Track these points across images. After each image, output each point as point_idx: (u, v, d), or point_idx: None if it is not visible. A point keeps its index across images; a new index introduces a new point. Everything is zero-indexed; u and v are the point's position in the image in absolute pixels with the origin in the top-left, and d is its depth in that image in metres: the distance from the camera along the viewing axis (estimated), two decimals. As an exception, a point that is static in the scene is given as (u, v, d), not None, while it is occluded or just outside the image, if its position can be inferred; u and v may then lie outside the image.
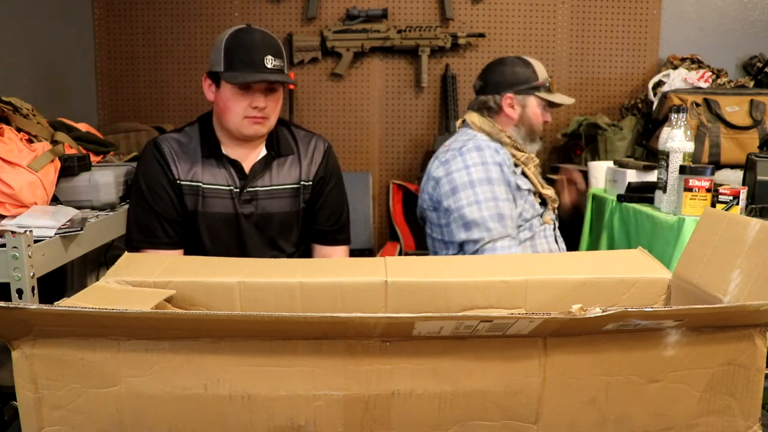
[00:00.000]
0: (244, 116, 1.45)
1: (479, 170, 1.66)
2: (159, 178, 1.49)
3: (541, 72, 1.83)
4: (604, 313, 0.72)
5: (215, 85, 1.48)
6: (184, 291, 1.13)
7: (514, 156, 1.79)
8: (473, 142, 1.73)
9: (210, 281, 1.15)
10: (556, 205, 1.88)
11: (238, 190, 1.52)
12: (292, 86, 2.68)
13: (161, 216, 1.49)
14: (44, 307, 0.72)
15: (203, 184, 1.51)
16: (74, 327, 0.77)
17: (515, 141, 1.80)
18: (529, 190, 1.79)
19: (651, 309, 0.75)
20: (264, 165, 1.54)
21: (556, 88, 1.88)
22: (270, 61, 1.42)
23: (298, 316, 0.73)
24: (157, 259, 1.34)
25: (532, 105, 1.81)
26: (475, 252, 1.63)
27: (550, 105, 1.85)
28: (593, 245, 2.11)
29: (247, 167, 1.53)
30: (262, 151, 1.56)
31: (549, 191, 1.85)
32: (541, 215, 1.82)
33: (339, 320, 0.73)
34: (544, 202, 1.85)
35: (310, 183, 1.59)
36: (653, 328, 0.79)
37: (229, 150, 1.54)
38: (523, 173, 1.80)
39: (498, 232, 1.63)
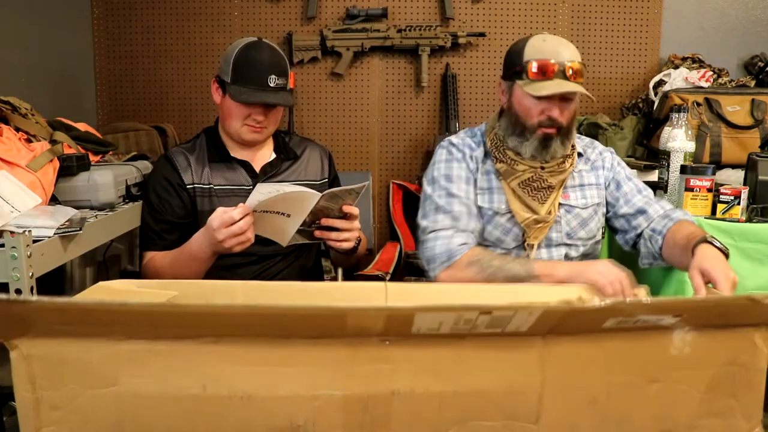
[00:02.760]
0: (243, 124, 1.55)
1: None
2: (169, 188, 1.56)
3: (531, 52, 1.42)
4: (603, 304, 0.72)
5: (222, 91, 1.56)
6: (187, 292, 1.13)
7: (497, 165, 1.49)
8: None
9: (213, 282, 1.15)
10: (537, 234, 1.48)
11: (251, 187, 1.57)
12: (292, 84, 2.68)
13: (172, 222, 1.56)
14: (44, 299, 0.72)
15: (215, 185, 1.58)
16: (73, 326, 0.77)
17: (498, 136, 1.50)
18: (493, 211, 1.49)
19: (650, 301, 0.75)
20: (274, 166, 1.63)
21: (553, 73, 1.40)
22: (273, 80, 1.52)
23: (298, 307, 0.73)
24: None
25: (517, 94, 1.45)
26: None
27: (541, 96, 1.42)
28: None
29: (257, 167, 1.61)
30: (272, 155, 1.65)
31: (528, 215, 1.46)
32: (523, 241, 1.49)
33: (339, 311, 0.73)
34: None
35: (321, 182, 1.68)
36: (654, 326, 0.79)
37: (237, 153, 1.61)
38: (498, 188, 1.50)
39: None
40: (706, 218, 1.67)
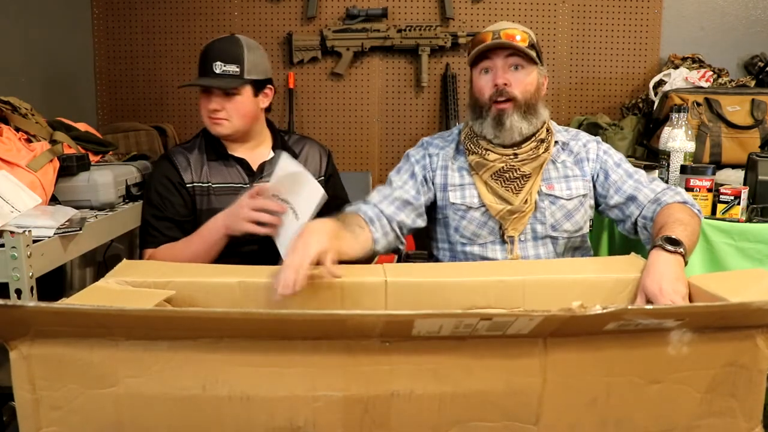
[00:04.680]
0: (207, 116, 1.58)
1: None
2: (170, 187, 1.58)
3: (487, 32, 1.45)
4: (605, 311, 0.72)
5: None
6: (184, 291, 1.13)
7: (469, 158, 1.48)
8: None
9: (210, 281, 1.14)
10: (516, 226, 1.46)
11: (248, 185, 1.58)
12: (291, 84, 2.68)
13: (174, 220, 1.57)
14: (42, 304, 0.72)
15: (213, 183, 1.59)
16: (72, 327, 0.77)
17: (470, 127, 1.50)
18: (466, 206, 1.48)
19: (651, 307, 0.75)
20: (272, 164, 1.62)
21: (487, 40, 1.41)
22: (219, 67, 1.54)
23: (298, 313, 0.73)
24: (157, 262, 1.34)
25: (473, 78, 1.49)
26: None
27: (476, 64, 1.46)
28: (594, 245, 2.10)
29: (254, 165, 1.62)
30: (269, 153, 1.66)
31: (502, 206, 1.44)
32: (502, 234, 1.47)
33: (338, 318, 0.73)
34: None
35: (318, 180, 1.67)
36: (654, 328, 0.78)
37: (235, 151, 1.63)
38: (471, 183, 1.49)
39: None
40: (706, 218, 1.67)
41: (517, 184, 1.46)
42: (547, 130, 1.50)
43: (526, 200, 1.45)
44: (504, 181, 1.46)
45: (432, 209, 1.56)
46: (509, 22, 1.49)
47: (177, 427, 0.80)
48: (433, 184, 1.52)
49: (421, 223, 1.50)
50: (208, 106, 1.55)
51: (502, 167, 1.45)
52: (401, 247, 1.46)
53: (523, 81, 1.43)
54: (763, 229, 1.63)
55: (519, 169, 1.45)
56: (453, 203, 1.49)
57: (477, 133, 1.48)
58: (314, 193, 1.35)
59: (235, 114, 1.57)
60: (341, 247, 1.22)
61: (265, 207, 1.36)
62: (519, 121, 1.43)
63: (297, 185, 1.35)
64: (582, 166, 1.51)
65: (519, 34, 1.42)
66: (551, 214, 1.48)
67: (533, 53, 1.43)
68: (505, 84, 1.42)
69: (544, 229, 1.48)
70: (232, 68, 1.54)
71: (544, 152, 1.47)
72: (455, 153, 1.52)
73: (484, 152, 1.47)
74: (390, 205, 1.46)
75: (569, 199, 1.49)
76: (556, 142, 1.50)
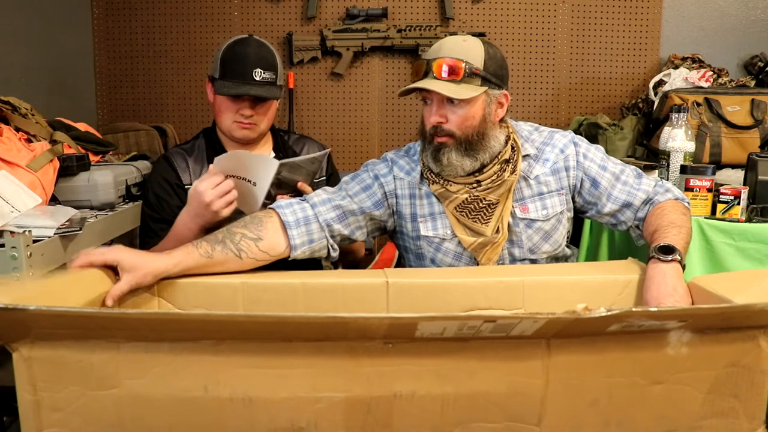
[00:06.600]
0: (234, 121, 1.56)
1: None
2: (168, 188, 1.57)
3: (429, 54, 1.34)
4: (609, 313, 0.72)
5: (214, 89, 1.57)
6: (187, 291, 1.13)
7: (431, 188, 1.38)
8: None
9: (213, 282, 1.15)
10: (490, 256, 1.37)
11: None
12: (291, 84, 2.68)
13: (170, 221, 1.55)
14: (43, 307, 0.72)
15: None
16: (73, 329, 0.76)
17: (423, 156, 1.39)
18: (440, 238, 1.39)
19: (655, 309, 0.75)
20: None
21: (423, 73, 1.32)
22: (259, 74, 1.52)
23: (301, 316, 0.73)
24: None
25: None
26: None
27: (424, 99, 1.37)
28: (594, 245, 2.10)
29: None
30: (271, 154, 1.65)
31: (473, 239, 1.36)
32: (477, 262, 1.39)
33: (341, 320, 0.72)
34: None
35: (319, 180, 1.68)
36: (657, 329, 0.78)
37: None
38: (441, 212, 1.39)
39: None
40: (706, 218, 1.67)
41: (485, 214, 1.36)
42: (512, 148, 1.37)
43: (498, 228, 1.36)
44: (470, 212, 1.36)
45: (397, 235, 1.46)
46: (459, 39, 1.33)
47: (178, 429, 0.80)
48: (396, 211, 1.42)
49: (360, 236, 1.40)
50: (241, 112, 1.53)
51: (466, 198, 1.35)
52: (333, 254, 1.35)
53: (462, 116, 1.31)
54: (763, 229, 1.63)
55: (484, 198, 1.35)
56: (426, 236, 1.40)
57: (431, 169, 1.37)
58: (261, 159, 1.38)
59: (265, 119, 1.58)
60: (203, 270, 1.17)
61: (227, 188, 1.34)
62: (458, 159, 1.32)
63: (242, 162, 1.36)
64: (559, 176, 1.39)
65: (456, 63, 1.28)
66: (528, 237, 1.39)
67: (469, 87, 1.29)
68: (440, 122, 1.32)
69: (522, 253, 1.40)
70: (270, 75, 1.54)
71: (510, 174, 1.35)
72: (421, 177, 1.40)
73: (444, 182, 1.36)
74: (332, 210, 1.35)
75: (546, 220, 1.39)
76: (526, 155, 1.39)
